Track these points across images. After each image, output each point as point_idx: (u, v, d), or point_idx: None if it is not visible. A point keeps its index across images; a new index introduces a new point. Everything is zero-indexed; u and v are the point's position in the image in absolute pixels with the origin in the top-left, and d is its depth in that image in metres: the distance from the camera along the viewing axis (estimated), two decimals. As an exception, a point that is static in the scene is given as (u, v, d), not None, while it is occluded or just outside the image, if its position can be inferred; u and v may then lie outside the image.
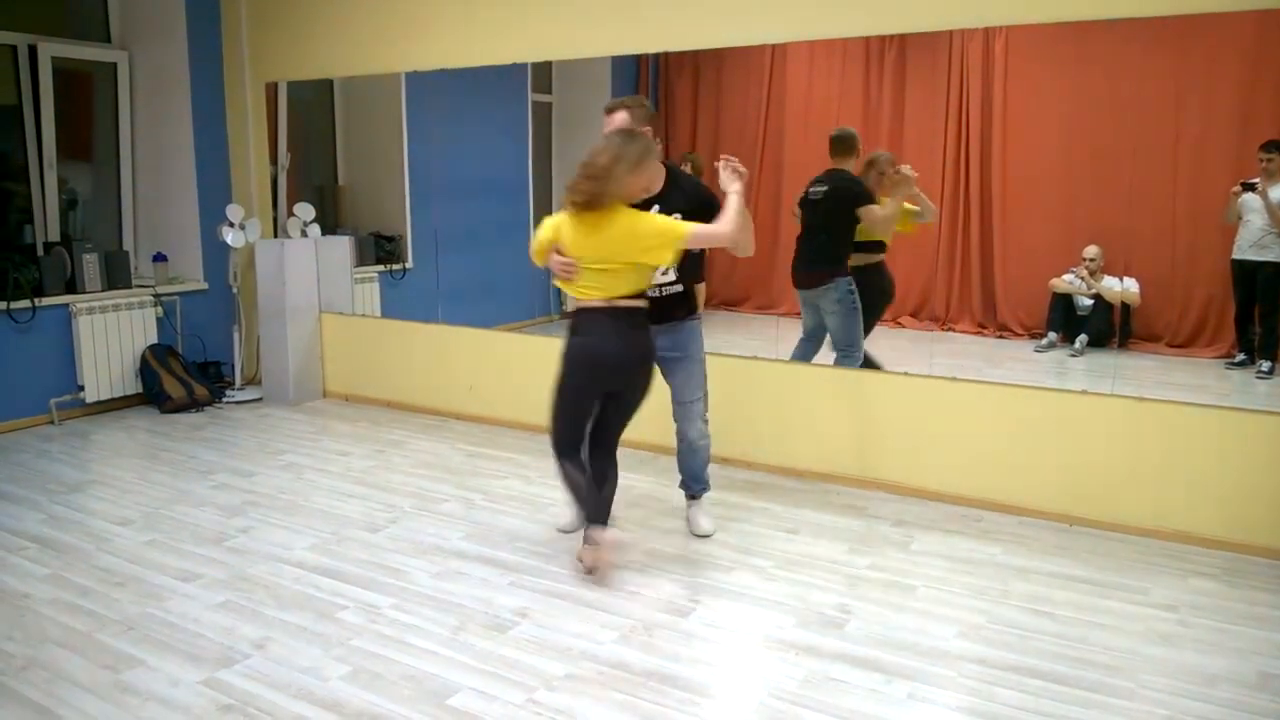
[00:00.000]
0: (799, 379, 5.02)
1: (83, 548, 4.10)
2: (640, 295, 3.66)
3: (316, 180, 7.41)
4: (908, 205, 5.13)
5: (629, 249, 3.54)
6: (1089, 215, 5.43)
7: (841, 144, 5.19)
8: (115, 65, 6.65)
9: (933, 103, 5.65)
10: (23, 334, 5.87)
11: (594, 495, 3.76)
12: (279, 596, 3.63)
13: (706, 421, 4.15)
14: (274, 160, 6.98)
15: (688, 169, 6.50)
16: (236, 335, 6.86)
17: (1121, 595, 3.67)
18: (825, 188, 5.14)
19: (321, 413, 6.45)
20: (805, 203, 5.24)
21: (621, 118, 3.79)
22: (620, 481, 3.94)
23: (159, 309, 6.54)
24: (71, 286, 6.10)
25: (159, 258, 6.65)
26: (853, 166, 5.15)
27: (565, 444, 3.85)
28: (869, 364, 5.05)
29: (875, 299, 5.28)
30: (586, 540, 3.76)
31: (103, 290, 6.24)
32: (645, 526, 4.32)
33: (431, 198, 6.71)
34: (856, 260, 5.19)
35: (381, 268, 7.07)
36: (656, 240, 3.53)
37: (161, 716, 2.83)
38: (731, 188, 3.65)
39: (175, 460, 5.34)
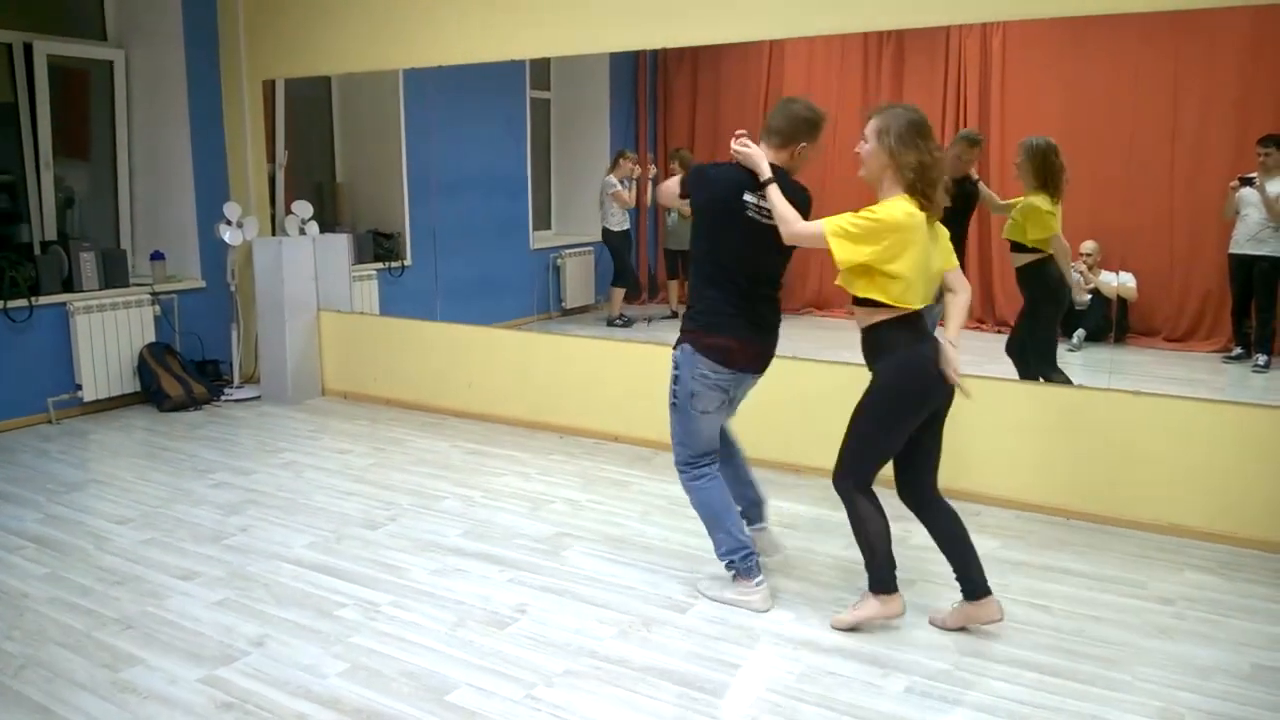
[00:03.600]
0: (795, 375, 5.02)
1: (81, 547, 4.10)
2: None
3: (314, 178, 7.41)
4: None
5: None
6: (1086, 210, 5.42)
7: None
8: (111, 63, 6.65)
9: (931, 98, 5.65)
10: (20, 333, 5.86)
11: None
12: (278, 594, 3.64)
13: (682, 471, 3.58)
14: (272, 158, 6.98)
15: (675, 166, 6.53)
16: (235, 333, 6.86)
17: (1118, 588, 3.68)
18: None
19: (320, 411, 6.45)
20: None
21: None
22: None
23: (157, 307, 6.54)
24: (69, 285, 6.10)
25: (156, 256, 6.65)
26: None
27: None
28: None
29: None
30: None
31: (100, 289, 6.24)
32: (646, 521, 4.33)
33: (430, 195, 6.71)
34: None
35: (380, 265, 7.07)
36: None
37: (161, 714, 2.84)
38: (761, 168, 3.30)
39: (174, 459, 5.34)
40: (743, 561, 3.49)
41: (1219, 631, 3.35)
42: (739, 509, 3.62)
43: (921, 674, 3.06)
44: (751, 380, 3.52)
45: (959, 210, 4.88)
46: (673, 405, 3.47)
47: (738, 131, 3.39)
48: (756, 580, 3.50)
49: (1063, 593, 3.64)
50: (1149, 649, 3.22)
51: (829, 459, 4.92)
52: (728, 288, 3.36)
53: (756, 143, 3.37)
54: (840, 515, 4.42)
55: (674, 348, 3.47)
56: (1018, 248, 4.78)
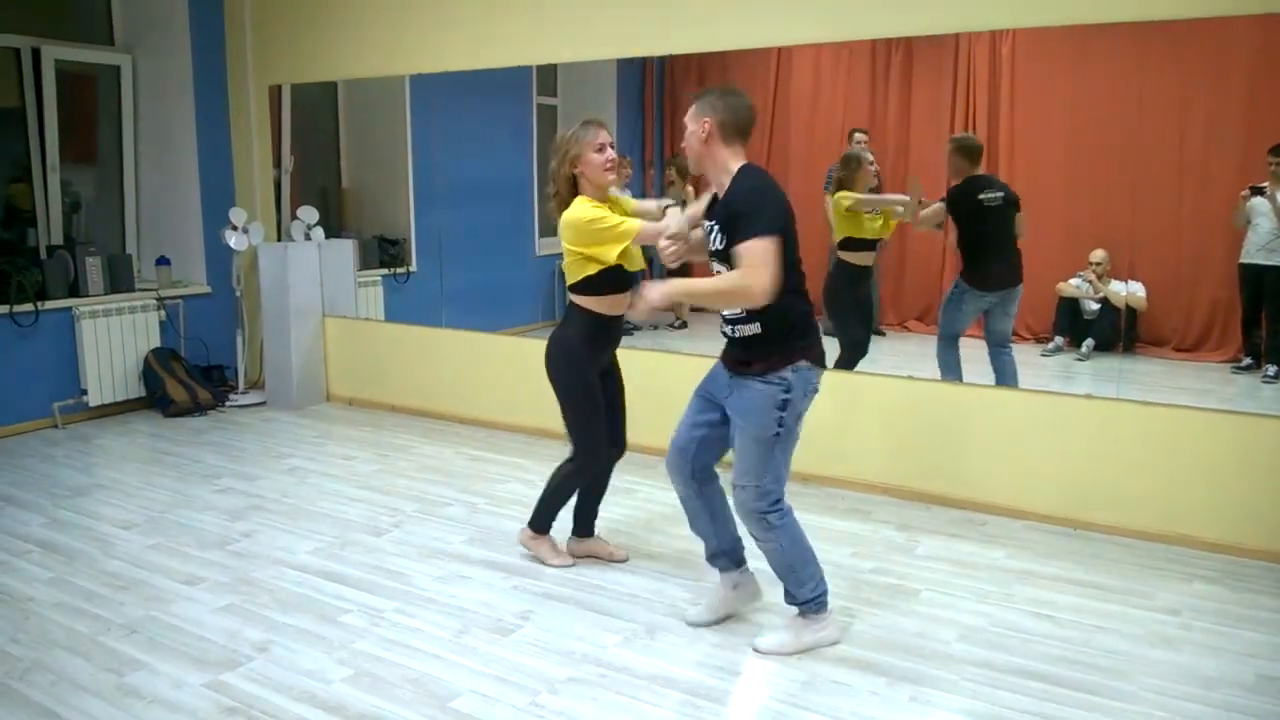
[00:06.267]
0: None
1: (87, 551, 4.10)
2: (574, 289, 3.63)
3: (320, 183, 7.43)
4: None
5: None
6: (1095, 219, 5.42)
7: (979, 152, 5.20)
8: (119, 68, 6.66)
9: (939, 105, 5.65)
10: (26, 337, 5.87)
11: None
12: (282, 600, 3.64)
13: (763, 518, 3.20)
14: (277, 163, 6.99)
15: (672, 173, 6.52)
16: (240, 339, 6.87)
17: (1124, 599, 3.66)
18: (1001, 194, 5.04)
19: (325, 417, 6.45)
20: (981, 209, 5.04)
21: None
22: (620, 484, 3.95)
23: (162, 313, 6.55)
24: (75, 290, 6.11)
25: (162, 261, 6.67)
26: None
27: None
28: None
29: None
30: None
31: (106, 294, 6.25)
32: (650, 529, 4.32)
33: (436, 201, 6.72)
34: (864, 259, 5.26)
35: (385, 271, 7.07)
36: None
37: (165, 719, 2.83)
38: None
39: (178, 464, 5.35)
40: (826, 595, 3.30)
41: (1225, 642, 3.33)
42: (719, 551, 3.44)
43: (926, 683, 3.05)
44: None
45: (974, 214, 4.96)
46: (774, 437, 3.12)
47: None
48: (829, 610, 3.32)
49: (1069, 603, 3.62)
50: (1155, 660, 3.21)
51: (834, 468, 4.93)
52: (803, 294, 3.16)
53: None
54: (846, 524, 4.43)
55: (770, 373, 3.09)
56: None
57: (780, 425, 3.12)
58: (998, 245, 5.05)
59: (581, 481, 3.88)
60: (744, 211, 3.01)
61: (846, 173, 5.32)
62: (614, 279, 3.57)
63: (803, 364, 3.10)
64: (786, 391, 3.08)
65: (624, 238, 3.44)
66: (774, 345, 3.09)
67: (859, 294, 5.42)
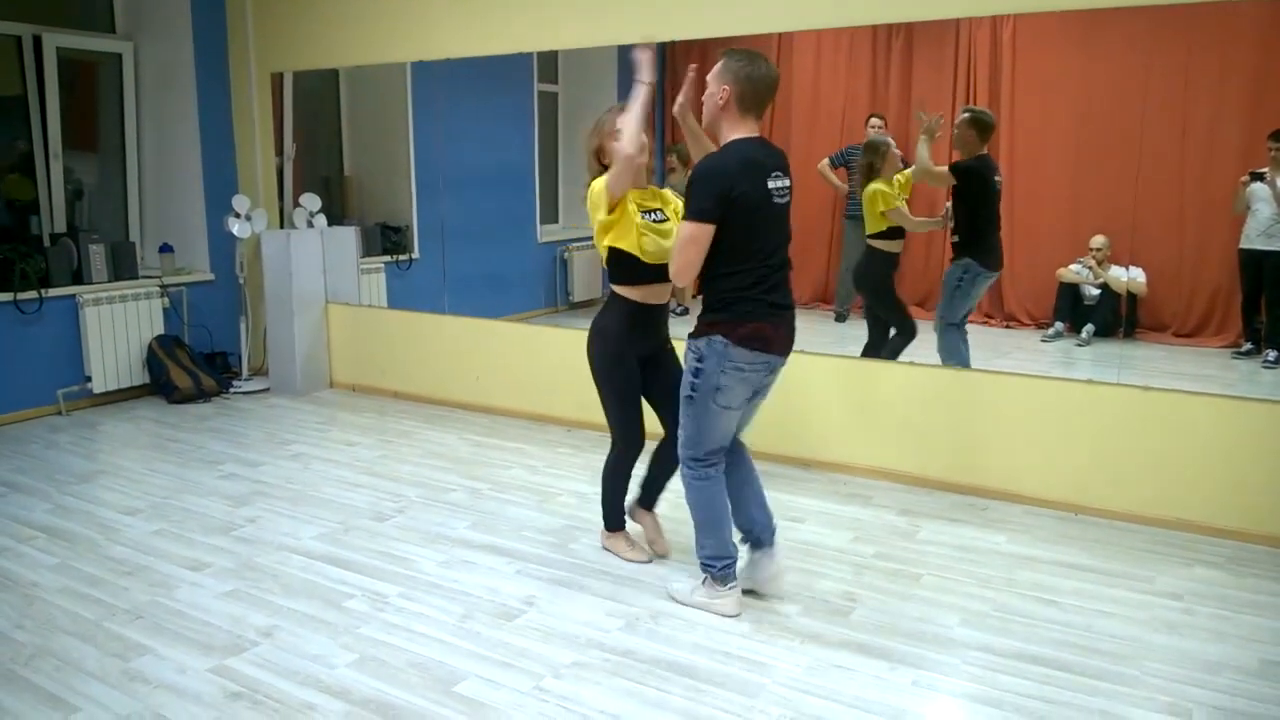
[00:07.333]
0: (803, 368, 5.01)
1: (91, 537, 4.12)
2: (613, 279, 3.63)
3: (322, 171, 7.42)
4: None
5: None
6: (1096, 205, 5.42)
7: (993, 129, 5.18)
8: (120, 56, 6.66)
9: (940, 91, 5.64)
10: (30, 325, 5.88)
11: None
12: (286, 585, 3.65)
13: (682, 468, 3.48)
14: (280, 151, 6.98)
15: (673, 160, 6.51)
16: (243, 326, 6.88)
17: (1126, 583, 3.67)
18: (1000, 179, 5.10)
19: (328, 403, 6.46)
20: (994, 189, 5.06)
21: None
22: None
23: (165, 300, 6.56)
24: (78, 277, 6.11)
25: (165, 248, 6.67)
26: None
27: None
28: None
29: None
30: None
31: (109, 281, 6.26)
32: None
33: (438, 188, 6.72)
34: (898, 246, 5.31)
35: (388, 258, 7.07)
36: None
37: (170, 704, 2.85)
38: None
39: (182, 450, 5.36)
40: (722, 570, 3.43)
41: (1228, 627, 3.35)
42: (749, 533, 3.55)
43: (929, 668, 3.06)
44: (781, 366, 3.38)
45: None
46: (688, 399, 3.29)
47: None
48: (729, 585, 3.44)
49: (1071, 588, 3.64)
50: (1157, 644, 3.22)
51: (836, 452, 4.94)
52: (748, 274, 3.19)
53: None
54: (848, 509, 4.44)
55: (691, 339, 3.27)
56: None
57: (693, 390, 3.27)
58: (998, 226, 5.05)
59: (627, 465, 3.83)
60: (689, 191, 3.15)
61: (874, 158, 5.28)
62: (648, 268, 3.55)
63: (717, 338, 3.19)
64: (699, 360, 3.23)
65: (603, 195, 3.47)
66: (702, 317, 3.25)
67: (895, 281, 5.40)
